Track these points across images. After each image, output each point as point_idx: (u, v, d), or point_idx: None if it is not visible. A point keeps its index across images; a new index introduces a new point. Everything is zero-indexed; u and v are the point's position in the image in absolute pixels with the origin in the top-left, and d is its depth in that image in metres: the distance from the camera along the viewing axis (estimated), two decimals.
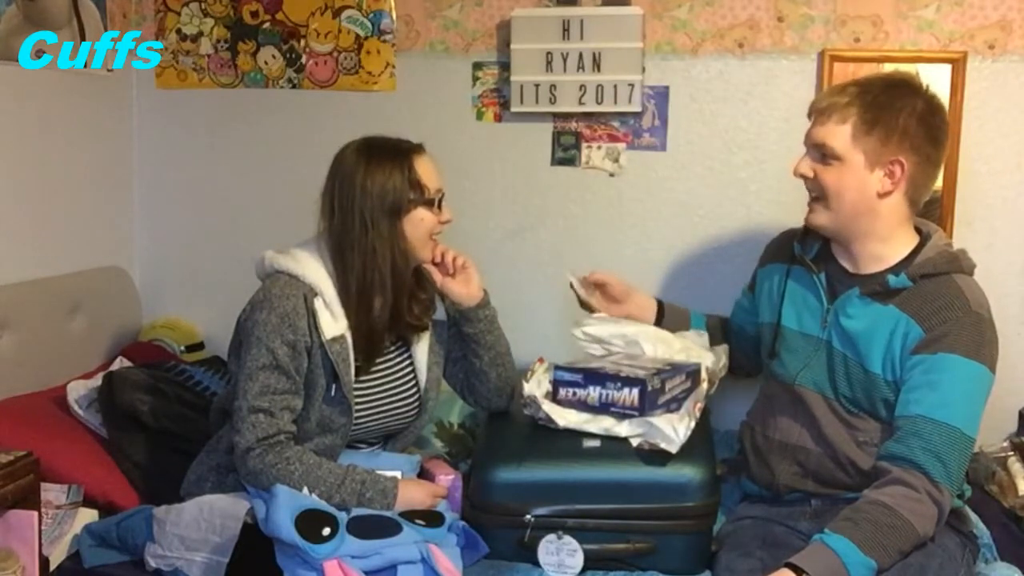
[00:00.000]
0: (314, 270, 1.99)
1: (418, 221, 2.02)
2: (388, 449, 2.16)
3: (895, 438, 1.84)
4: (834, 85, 2.11)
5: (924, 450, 1.78)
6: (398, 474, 2.00)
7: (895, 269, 1.94)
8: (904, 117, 1.90)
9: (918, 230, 2.01)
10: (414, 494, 1.96)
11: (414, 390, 2.15)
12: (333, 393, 1.99)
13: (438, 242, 2.08)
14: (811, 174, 1.95)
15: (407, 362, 2.15)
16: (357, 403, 2.03)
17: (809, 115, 1.99)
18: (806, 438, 2.00)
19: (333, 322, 1.98)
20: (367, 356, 2.05)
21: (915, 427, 1.81)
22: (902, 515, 1.74)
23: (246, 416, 1.92)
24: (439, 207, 2.04)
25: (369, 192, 1.97)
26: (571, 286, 2.29)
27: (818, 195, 1.96)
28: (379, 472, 1.97)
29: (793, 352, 2.05)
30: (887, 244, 1.97)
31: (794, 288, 2.08)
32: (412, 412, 2.15)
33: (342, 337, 1.99)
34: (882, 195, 1.93)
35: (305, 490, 1.88)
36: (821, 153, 1.93)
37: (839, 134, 1.90)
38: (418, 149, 2.05)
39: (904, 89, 1.95)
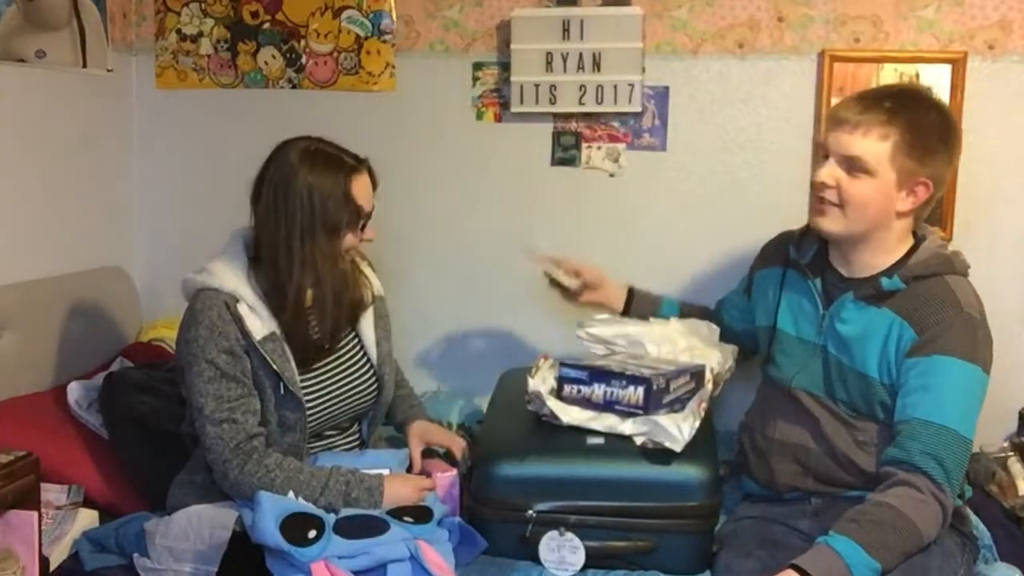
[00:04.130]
0: (230, 278, 1.98)
1: (346, 242, 2.02)
2: (363, 435, 2.16)
3: (895, 443, 1.84)
4: (860, 95, 2.00)
5: (922, 453, 1.79)
6: (386, 471, 1.99)
7: (888, 272, 1.94)
8: (935, 139, 1.89)
9: (913, 232, 2.00)
10: (401, 490, 1.94)
11: (369, 369, 2.14)
12: (283, 392, 1.98)
13: (354, 256, 2.07)
14: (834, 183, 1.91)
15: (355, 343, 2.15)
16: (315, 395, 2.03)
17: (832, 123, 1.93)
18: (806, 438, 2.00)
19: (260, 323, 1.97)
20: (304, 357, 2.03)
21: (912, 431, 1.81)
22: (907, 516, 1.73)
23: (210, 432, 1.91)
24: (363, 228, 2.03)
25: (312, 205, 1.94)
26: (546, 273, 2.31)
27: (835, 201, 1.92)
28: (363, 471, 1.96)
29: (789, 356, 2.05)
30: (889, 253, 1.96)
31: (790, 293, 2.08)
32: (372, 392, 2.15)
33: (273, 335, 1.98)
34: (901, 214, 1.92)
35: (290, 494, 1.87)
36: (850, 165, 1.89)
37: (878, 150, 1.86)
38: (358, 168, 2.01)
39: (934, 108, 1.93)
